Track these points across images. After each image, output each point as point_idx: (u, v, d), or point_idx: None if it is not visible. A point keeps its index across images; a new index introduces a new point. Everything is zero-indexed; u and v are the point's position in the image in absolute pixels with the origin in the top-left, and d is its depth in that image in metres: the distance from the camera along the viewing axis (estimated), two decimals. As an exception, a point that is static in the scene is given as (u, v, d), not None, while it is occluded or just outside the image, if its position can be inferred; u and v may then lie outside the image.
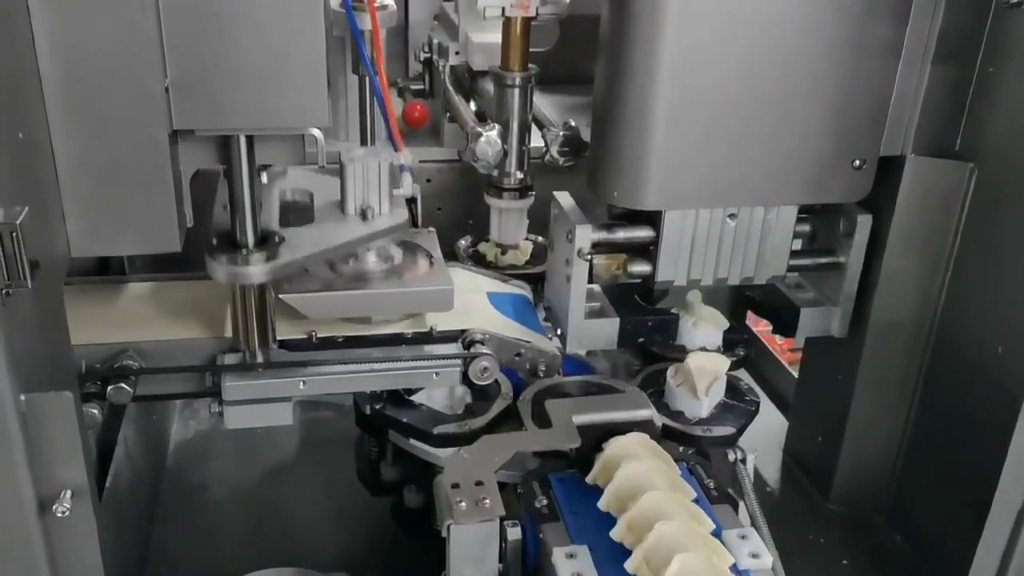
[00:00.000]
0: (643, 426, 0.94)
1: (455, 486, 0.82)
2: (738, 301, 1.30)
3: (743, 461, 0.86)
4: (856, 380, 1.19)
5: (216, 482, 1.33)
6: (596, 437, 0.92)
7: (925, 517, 1.17)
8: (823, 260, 1.15)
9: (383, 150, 1.01)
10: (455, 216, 1.49)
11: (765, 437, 1.40)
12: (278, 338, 1.00)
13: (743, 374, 1.21)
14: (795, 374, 1.44)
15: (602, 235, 1.08)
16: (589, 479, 0.88)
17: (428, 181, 1.52)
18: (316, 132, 0.89)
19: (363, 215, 0.98)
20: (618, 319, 1.13)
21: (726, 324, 1.17)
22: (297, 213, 1.04)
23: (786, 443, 1.40)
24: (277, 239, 0.92)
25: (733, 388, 1.10)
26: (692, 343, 1.17)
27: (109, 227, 0.85)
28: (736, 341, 1.19)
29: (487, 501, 0.81)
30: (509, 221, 1.30)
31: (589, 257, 1.08)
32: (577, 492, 0.88)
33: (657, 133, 0.99)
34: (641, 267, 1.11)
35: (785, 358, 1.56)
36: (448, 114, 1.45)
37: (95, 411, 0.93)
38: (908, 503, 1.20)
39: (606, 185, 1.05)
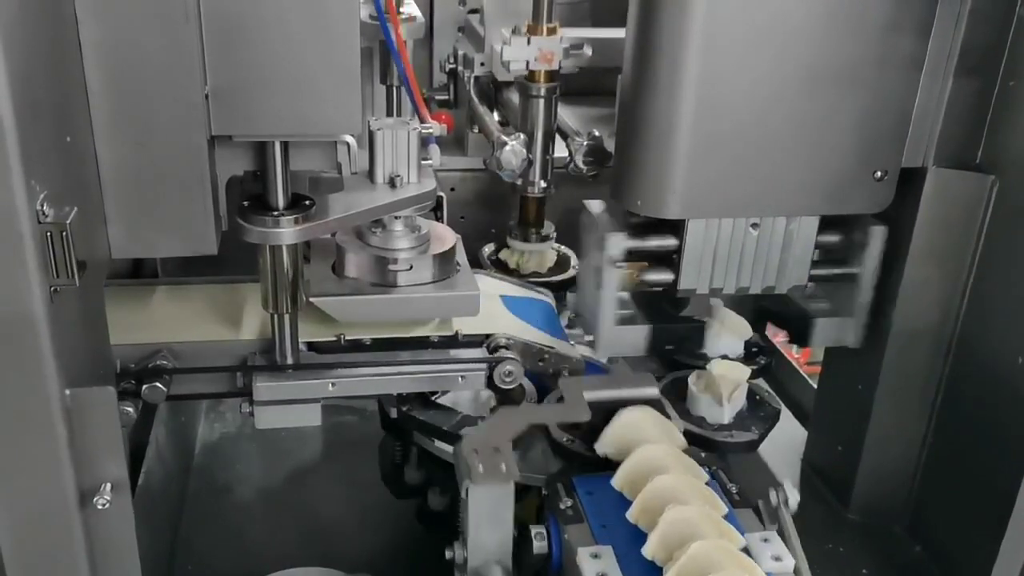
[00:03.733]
0: (650, 403, 0.97)
1: (474, 451, 0.85)
2: (757, 311, 1.31)
3: (786, 503, 0.86)
4: (876, 390, 1.19)
5: (241, 483, 1.35)
6: (606, 412, 0.95)
7: (945, 527, 1.17)
8: (839, 270, 1.15)
9: (412, 120, 1.01)
10: (479, 224, 1.51)
11: (785, 446, 1.40)
12: (306, 339, 1.02)
13: (762, 383, 1.21)
14: (814, 384, 1.45)
15: (634, 243, 1.08)
16: (615, 483, 0.89)
17: (452, 190, 1.53)
18: (349, 139, 0.91)
19: (391, 183, 0.98)
20: (649, 326, 1.14)
21: (750, 332, 1.18)
22: (327, 185, 1.04)
23: (806, 452, 1.40)
24: (308, 203, 0.92)
25: (754, 396, 1.11)
26: (714, 351, 1.18)
27: (148, 230, 0.87)
28: (758, 350, 1.19)
29: (503, 466, 0.84)
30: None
31: (621, 266, 1.08)
32: (601, 494, 0.89)
33: (681, 143, 1.00)
34: (663, 275, 1.12)
35: (804, 371, 1.56)
36: (473, 124, 1.47)
37: (130, 409, 0.95)
38: (928, 513, 1.20)
39: (630, 194, 1.06)
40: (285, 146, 0.90)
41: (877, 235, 1.11)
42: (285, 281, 0.96)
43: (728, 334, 1.18)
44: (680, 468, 0.86)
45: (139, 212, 0.86)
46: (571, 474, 0.93)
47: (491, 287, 1.18)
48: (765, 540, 0.83)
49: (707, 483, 0.89)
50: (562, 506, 0.88)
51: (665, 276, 1.12)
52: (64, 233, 0.67)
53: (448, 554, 0.88)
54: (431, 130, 1.02)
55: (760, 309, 1.24)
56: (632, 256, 1.09)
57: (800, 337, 1.20)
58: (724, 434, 1.04)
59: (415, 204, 1.00)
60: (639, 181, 1.05)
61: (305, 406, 1.00)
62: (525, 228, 1.36)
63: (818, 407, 1.39)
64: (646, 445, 0.86)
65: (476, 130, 1.47)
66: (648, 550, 0.80)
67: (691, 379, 1.10)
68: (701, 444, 1.02)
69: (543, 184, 1.30)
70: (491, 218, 1.51)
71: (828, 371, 1.35)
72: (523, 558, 0.88)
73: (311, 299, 1.00)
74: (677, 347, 1.17)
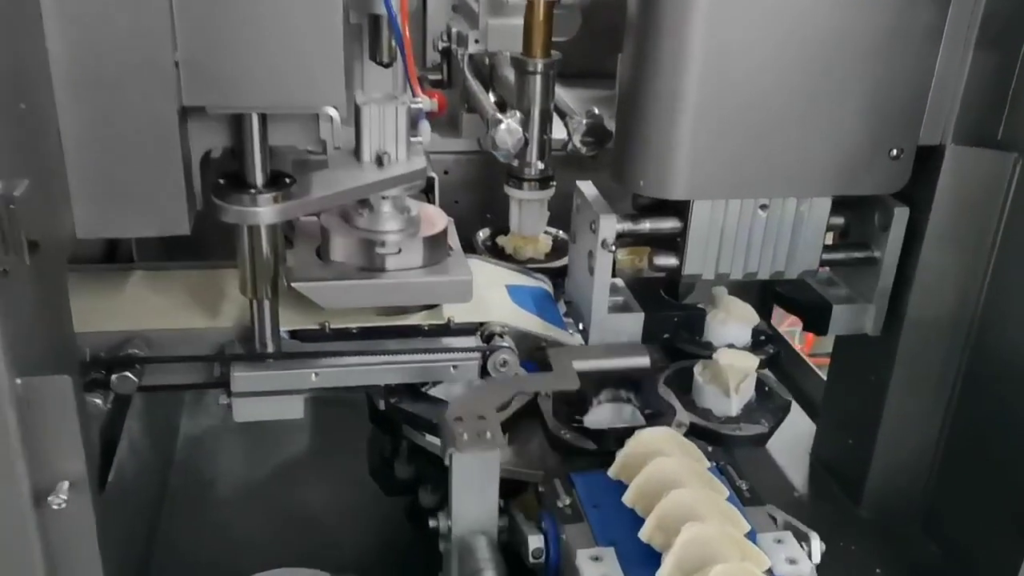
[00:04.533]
0: (642, 375, 0.95)
1: (458, 419, 0.83)
2: (765, 298, 1.26)
3: (809, 555, 0.80)
4: (890, 380, 1.14)
5: (225, 478, 1.30)
6: (595, 383, 0.94)
7: (963, 526, 1.12)
8: (857, 255, 1.10)
9: (401, 94, 0.95)
10: (473, 209, 1.45)
11: (791, 440, 1.35)
12: (288, 328, 0.97)
13: (770, 374, 1.16)
14: (821, 375, 1.39)
15: (627, 226, 1.03)
16: (611, 472, 0.83)
17: (446, 173, 1.48)
18: (331, 111, 0.85)
19: (379, 161, 0.92)
20: (642, 314, 1.09)
21: (756, 320, 1.13)
22: (310, 164, 0.99)
23: (814, 446, 1.35)
24: (288, 180, 0.87)
25: (763, 387, 1.06)
26: (720, 340, 1.13)
27: (116, 208, 0.82)
28: (765, 338, 1.14)
29: (488, 434, 0.82)
30: (529, 213, 1.26)
31: (613, 249, 1.03)
32: (601, 490, 0.84)
33: (686, 120, 0.95)
34: (667, 260, 1.06)
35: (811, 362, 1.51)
36: (467, 104, 1.42)
37: (98, 401, 0.89)
38: (944, 511, 1.16)
39: (632, 174, 1.00)
40: (263, 119, 0.85)
41: (900, 217, 1.06)
42: (264, 264, 0.91)
43: (734, 322, 1.12)
44: (697, 482, 0.79)
45: (106, 189, 0.81)
46: (569, 469, 0.87)
47: (488, 273, 1.12)
48: (779, 541, 0.78)
49: (711, 470, 0.83)
50: (560, 504, 0.83)
51: (669, 261, 1.06)
52: (12, 207, 0.61)
53: (432, 523, 0.86)
54: (421, 105, 0.96)
55: (773, 296, 1.19)
56: (627, 240, 1.04)
57: (816, 324, 1.13)
58: (732, 427, 0.99)
59: (404, 183, 0.94)
60: (641, 160, 0.99)
61: (287, 398, 0.95)
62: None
63: (828, 398, 1.34)
64: (660, 458, 0.80)
65: (471, 110, 1.41)
66: (645, 533, 0.75)
67: (696, 369, 1.04)
68: (708, 437, 0.96)
69: (540, 166, 1.24)
70: (486, 202, 1.45)
71: (838, 361, 1.29)
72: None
73: (293, 284, 0.95)
74: (675, 335, 1.11)
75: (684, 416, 0.97)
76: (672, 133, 0.96)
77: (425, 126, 0.98)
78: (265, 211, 0.85)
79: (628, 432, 0.89)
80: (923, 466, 1.17)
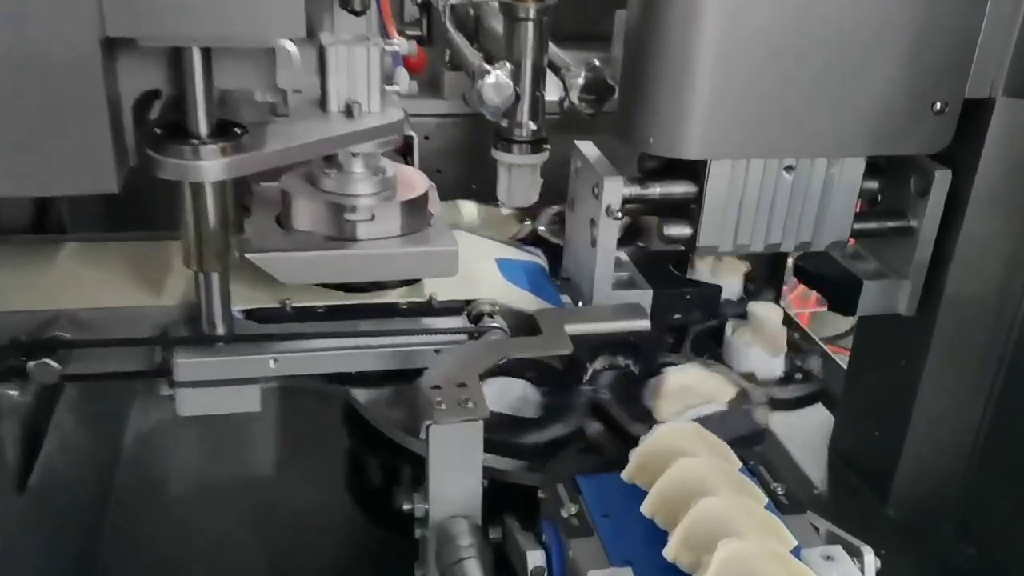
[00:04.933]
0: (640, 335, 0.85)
1: (436, 387, 0.74)
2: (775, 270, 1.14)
3: (862, 571, 0.68)
4: (924, 366, 1.05)
5: (179, 478, 1.18)
6: (591, 349, 0.84)
7: (1002, 527, 1.04)
8: (892, 224, 1.01)
9: (373, 35, 0.86)
10: (458, 178, 1.33)
11: (807, 430, 1.24)
12: (243, 307, 0.86)
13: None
14: (840, 362, 1.28)
15: (634, 190, 0.95)
16: (625, 475, 0.71)
17: (426, 138, 1.37)
18: (288, 45, 0.72)
19: (348, 111, 0.83)
20: (650, 290, 0.99)
21: (745, 268, 1.03)
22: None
23: (833, 439, 1.24)
24: (239, 131, 0.75)
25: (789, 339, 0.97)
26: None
27: (29, 161, 0.70)
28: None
29: (470, 402, 0.73)
30: (520, 180, 1.14)
31: (619, 216, 0.91)
32: (613, 497, 0.71)
33: (703, 69, 0.85)
34: (679, 230, 0.95)
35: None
36: (449, 61, 1.28)
37: (14, 393, 0.76)
38: (982, 510, 1.08)
39: (640, 131, 0.90)
40: (206, 55, 0.72)
41: (941, 181, 0.96)
42: (213, 232, 0.78)
43: (725, 275, 1.02)
44: (731, 488, 0.66)
45: (18, 140, 0.69)
46: (574, 470, 0.74)
47: (475, 246, 0.99)
48: (828, 558, 0.65)
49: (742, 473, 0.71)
50: (564, 513, 0.70)
51: (681, 231, 0.94)
52: None
53: (406, 506, 0.77)
54: (397, 48, 0.86)
55: (796, 271, 1.10)
56: (634, 206, 0.94)
57: (843, 303, 1.04)
58: (787, 389, 0.87)
59: (377, 137, 0.84)
60: (651, 115, 0.89)
61: (240, 388, 0.84)
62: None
63: (850, 385, 1.23)
64: (685, 458, 0.67)
65: (454, 68, 1.27)
66: (669, 551, 0.63)
67: (729, 332, 0.93)
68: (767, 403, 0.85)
69: (532, 126, 1.10)
70: (472, 171, 1.34)
71: (862, 344, 1.18)
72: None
73: (249, 256, 0.82)
74: (687, 315, 1.01)
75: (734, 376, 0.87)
76: (686, 83, 0.87)
77: (403, 73, 0.89)
78: (210, 165, 0.73)
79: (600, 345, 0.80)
80: (959, 461, 1.09)
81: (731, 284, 1.03)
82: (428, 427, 0.73)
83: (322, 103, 0.84)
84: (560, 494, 0.72)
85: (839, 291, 1.05)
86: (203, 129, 0.73)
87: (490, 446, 0.77)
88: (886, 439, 1.12)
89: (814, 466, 1.21)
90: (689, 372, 0.82)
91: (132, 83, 0.73)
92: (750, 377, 0.90)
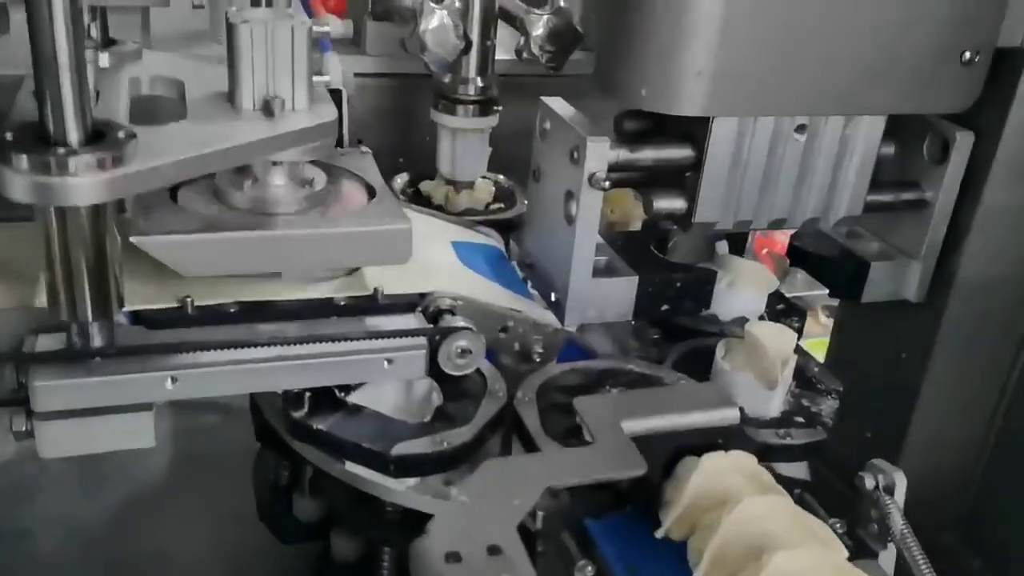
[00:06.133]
0: (731, 436, 0.61)
1: (452, 558, 0.47)
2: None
3: (888, 490, 0.55)
4: (931, 358, 0.97)
5: (49, 522, 1.02)
6: (664, 455, 0.58)
7: (1012, 536, 0.99)
8: (906, 196, 0.91)
9: (297, 13, 0.70)
10: (383, 149, 1.14)
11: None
12: (129, 308, 0.67)
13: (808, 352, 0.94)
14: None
15: (622, 153, 0.81)
16: (660, 534, 0.54)
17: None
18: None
19: (266, 109, 0.67)
20: (636, 277, 0.85)
21: (775, 284, 0.90)
22: (160, 112, 0.69)
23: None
24: (123, 135, 0.55)
25: (802, 373, 0.82)
26: (726, 311, 0.90)
27: None
28: (785, 307, 0.94)
29: None
30: (467, 148, 1.01)
31: (606, 186, 0.76)
32: (640, 550, 0.54)
33: (708, 10, 0.75)
34: (671, 203, 0.82)
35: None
36: (372, 8, 1.10)
37: None
38: (991, 518, 1.03)
39: (628, 83, 0.79)
40: None
41: (963, 144, 0.87)
42: (87, 267, 0.59)
43: (747, 287, 0.88)
44: (807, 538, 0.51)
45: None
46: (582, 514, 0.57)
47: (427, 226, 0.83)
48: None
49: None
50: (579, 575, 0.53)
51: (674, 204, 0.82)
52: None
53: None
54: (327, 29, 0.73)
55: (791, 251, 1.00)
56: (618, 175, 0.80)
57: (847, 286, 0.94)
58: (778, 433, 0.72)
59: (305, 142, 0.68)
60: (642, 64, 0.78)
61: (126, 417, 0.65)
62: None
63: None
64: (749, 499, 0.51)
65: (379, 17, 1.10)
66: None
67: (719, 353, 0.78)
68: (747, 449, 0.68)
69: (480, 83, 0.96)
70: (401, 141, 1.18)
71: (847, 332, 1.10)
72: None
73: (135, 240, 0.64)
74: (676, 306, 0.88)
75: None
76: (686, 28, 0.76)
77: (333, 60, 0.78)
78: (82, 182, 0.54)
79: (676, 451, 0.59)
80: (966, 464, 1.03)
81: (749, 298, 0.89)
82: None
83: (231, 96, 0.68)
84: (570, 548, 0.55)
85: (839, 274, 0.96)
86: (72, 134, 0.55)
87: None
88: (882, 440, 1.04)
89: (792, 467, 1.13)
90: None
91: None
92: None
